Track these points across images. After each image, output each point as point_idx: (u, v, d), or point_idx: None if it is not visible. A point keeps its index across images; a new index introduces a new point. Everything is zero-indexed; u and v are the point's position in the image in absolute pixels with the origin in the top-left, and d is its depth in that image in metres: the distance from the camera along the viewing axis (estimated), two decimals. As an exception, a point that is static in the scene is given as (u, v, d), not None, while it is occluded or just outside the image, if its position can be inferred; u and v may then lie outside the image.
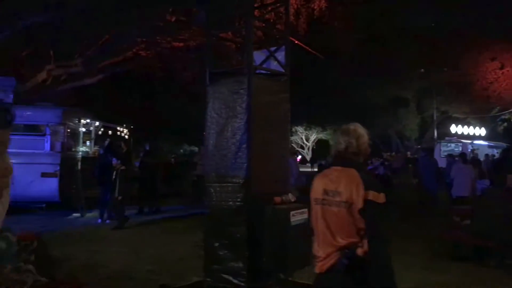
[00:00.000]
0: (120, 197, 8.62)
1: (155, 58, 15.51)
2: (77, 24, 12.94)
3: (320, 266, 2.27)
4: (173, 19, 14.07)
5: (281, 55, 4.48)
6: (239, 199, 3.93)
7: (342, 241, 2.18)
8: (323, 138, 40.45)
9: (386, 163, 14.09)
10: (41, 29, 12.86)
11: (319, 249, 2.29)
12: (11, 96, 10.09)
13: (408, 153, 24.08)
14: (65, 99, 15.48)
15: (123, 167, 8.73)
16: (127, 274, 5.53)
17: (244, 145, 3.95)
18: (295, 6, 12.89)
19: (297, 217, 3.79)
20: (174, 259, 6.20)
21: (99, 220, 9.31)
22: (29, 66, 15.18)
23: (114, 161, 8.70)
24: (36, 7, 11.90)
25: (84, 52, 14.58)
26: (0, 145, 0.73)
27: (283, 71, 4.46)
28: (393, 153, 23.94)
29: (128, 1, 12.00)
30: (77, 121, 10.77)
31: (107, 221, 9.27)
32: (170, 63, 15.76)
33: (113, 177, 8.61)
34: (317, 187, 2.35)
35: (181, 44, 15.04)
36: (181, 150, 34.41)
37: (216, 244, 4.02)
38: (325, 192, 2.28)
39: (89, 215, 9.86)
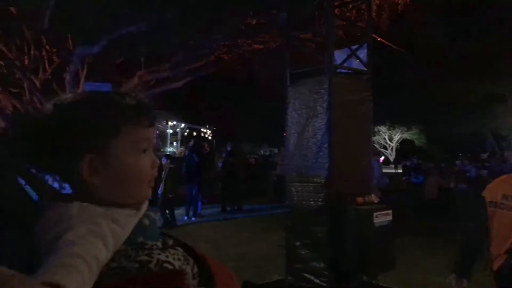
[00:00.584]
0: (170, 196, 8.97)
1: (237, 61, 15.95)
2: (166, 32, 13.71)
3: (494, 265, 2.43)
4: (254, 21, 14.37)
5: (362, 53, 4.39)
6: (320, 199, 3.92)
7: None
8: (408, 138, 38.75)
9: (482, 164, 13.11)
10: (133, 38, 13.80)
11: (494, 249, 2.44)
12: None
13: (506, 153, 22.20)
14: (154, 102, 16.46)
15: (171, 166, 9.10)
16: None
17: (325, 145, 3.93)
18: (377, 1, 12.52)
19: (381, 218, 3.69)
20: (256, 257, 6.31)
21: (185, 217, 9.76)
22: (122, 73, 16.38)
23: (164, 160, 9.06)
24: (130, 19, 12.81)
25: (171, 58, 15.41)
26: (148, 141, 0.84)
27: (365, 69, 4.37)
28: (487, 154, 22.23)
29: (212, 8, 12.45)
30: (164, 123, 11.38)
31: (193, 218, 9.70)
32: (250, 65, 16.10)
33: (199, 176, 8.99)
34: (496, 191, 2.48)
35: (261, 46, 15.31)
36: (261, 151, 34.93)
37: (298, 244, 4.04)
38: (505, 197, 2.40)
39: (176, 212, 10.38)
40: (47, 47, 14.72)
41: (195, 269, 0.85)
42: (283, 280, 4.21)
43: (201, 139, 12.64)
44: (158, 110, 12.22)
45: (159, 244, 0.83)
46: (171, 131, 11.45)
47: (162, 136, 11.22)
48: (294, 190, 4.14)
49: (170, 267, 0.78)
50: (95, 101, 0.81)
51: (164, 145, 11.30)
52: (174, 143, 12.25)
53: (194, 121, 14.27)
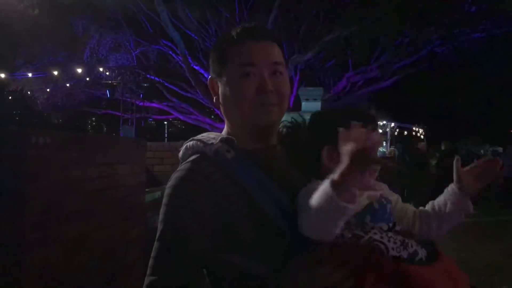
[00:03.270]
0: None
1: (452, 54, 14.80)
2: (374, 32, 13.75)
3: None
4: (473, 9, 13.12)
5: None
6: None
7: None
8: None
9: None
10: (341, 42, 14.27)
11: None
12: (319, 103, 11.57)
13: None
14: (362, 102, 16.62)
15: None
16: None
17: None
18: None
19: None
20: (480, 265, 5.82)
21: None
22: (331, 76, 17.05)
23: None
24: (338, 24, 13.31)
25: (379, 57, 15.29)
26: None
27: None
28: None
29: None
30: (374, 123, 11.41)
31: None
32: (469, 56, 14.72)
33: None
34: None
35: (483, 34, 13.86)
36: (481, 151, 31.25)
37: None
38: None
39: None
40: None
41: (422, 254, 0.98)
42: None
43: (413, 138, 12.13)
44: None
45: (385, 226, 1.00)
46: (380, 131, 11.37)
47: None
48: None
49: (381, 246, 0.94)
50: (338, 111, 1.12)
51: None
52: (384, 143, 12.12)
53: (406, 120, 13.80)
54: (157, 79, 15.47)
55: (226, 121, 1.18)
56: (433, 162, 10.94)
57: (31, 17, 10.39)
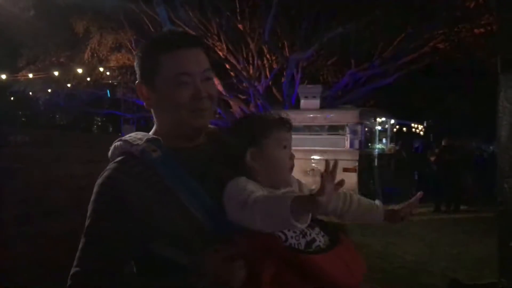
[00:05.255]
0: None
1: (454, 49, 14.71)
2: (375, 29, 13.75)
3: None
4: (472, 4, 13.07)
5: None
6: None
7: None
8: None
9: None
10: (343, 38, 14.28)
11: None
12: (318, 101, 11.60)
13: None
14: (364, 99, 16.62)
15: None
16: (421, 266, 5.63)
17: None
18: None
19: None
20: (471, 259, 5.87)
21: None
22: (332, 73, 17.05)
23: None
24: (339, 21, 13.33)
25: (381, 54, 15.27)
26: (286, 141, 1.22)
27: None
28: None
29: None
30: (373, 120, 11.40)
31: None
32: (471, 52, 14.63)
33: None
34: None
35: (483, 30, 13.78)
36: (490, 147, 30.94)
37: (513, 245, 3.66)
38: None
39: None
40: (268, 56, 16.51)
41: (320, 242, 1.06)
42: (495, 283, 3.87)
43: (412, 135, 12.15)
44: (366, 108, 12.31)
45: None
46: (379, 127, 11.37)
47: (370, 133, 11.25)
48: (506, 186, 3.76)
49: (280, 235, 1.03)
50: (257, 117, 1.22)
51: (373, 142, 11.29)
52: (383, 140, 12.13)
53: (407, 116, 13.78)
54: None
55: (156, 121, 1.25)
56: (432, 158, 10.94)
57: (31, 18, 10.54)
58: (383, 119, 11.84)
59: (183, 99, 1.15)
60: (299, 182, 1.27)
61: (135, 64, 1.24)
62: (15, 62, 14.00)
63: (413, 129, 13.91)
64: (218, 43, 15.91)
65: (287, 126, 1.19)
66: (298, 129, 11.13)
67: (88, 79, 14.63)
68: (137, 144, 1.15)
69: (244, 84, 16.27)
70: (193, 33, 10.12)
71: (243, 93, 17.05)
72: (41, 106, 15.25)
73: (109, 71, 15.14)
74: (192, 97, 1.15)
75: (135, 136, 1.20)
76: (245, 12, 14.73)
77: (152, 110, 1.24)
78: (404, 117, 13.63)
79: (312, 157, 10.22)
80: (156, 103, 1.21)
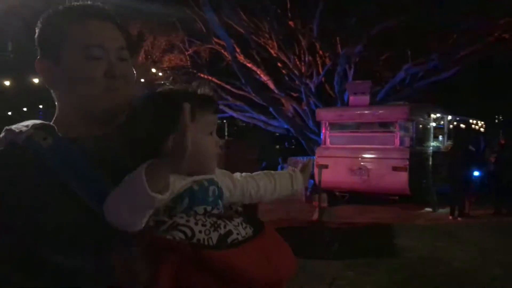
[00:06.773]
0: None
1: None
2: (433, 20, 13.05)
3: None
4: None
5: None
6: None
7: None
8: None
9: None
10: (397, 31, 13.67)
11: None
12: (367, 97, 11.20)
13: None
14: (423, 95, 15.80)
15: None
16: (467, 275, 5.23)
17: None
18: None
19: None
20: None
21: (450, 217, 9.08)
22: (387, 68, 16.37)
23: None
24: (388, 13, 12.79)
25: (440, 47, 14.44)
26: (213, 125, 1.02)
27: None
28: None
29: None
30: (426, 117, 10.83)
31: (458, 218, 8.94)
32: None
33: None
34: None
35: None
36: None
37: None
38: None
39: (442, 211, 9.72)
40: (320, 52, 16.19)
41: (238, 234, 0.93)
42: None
43: (470, 132, 11.36)
44: (418, 104, 11.67)
45: (201, 209, 0.94)
46: (434, 124, 10.74)
47: (424, 130, 10.67)
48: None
49: (185, 229, 0.89)
50: (178, 93, 0.98)
51: (427, 139, 10.70)
52: (440, 137, 11.46)
53: (467, 112, 12.91)
54: (209, 77, 15.79)
55: (57, 105, 1.09)
56: (492, 156, 10.19)
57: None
58: (438, 115, 11.20)
59: (93, 73, 1.00)
60: (229, 175, 1.11)
61: (35, 37, 1.06)
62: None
63: (472, 125, 13.03)
64: (269, 41, 15.89)
65: (214, 106, 1.00)
66: (346, 127, 10.83)
67: (142, 80, 15.13)
68: (21, 131, 0.98)
69: (296, 82, 16.13)
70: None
71: (295, 91, 16.93)
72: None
73: (161, 72, 15.58)
74: (104, 74, 1.00)
75: (21, 124, 1.02)
76: (295, 9, 14.59)
77: (52, 92, 1.08)
78: (464, 114, 12.80)
79: (360, 155, 9.89)
80: (59, 80, 1.04)
